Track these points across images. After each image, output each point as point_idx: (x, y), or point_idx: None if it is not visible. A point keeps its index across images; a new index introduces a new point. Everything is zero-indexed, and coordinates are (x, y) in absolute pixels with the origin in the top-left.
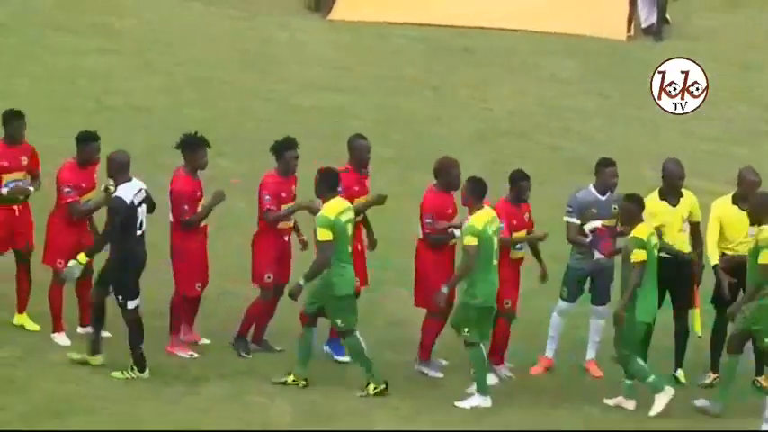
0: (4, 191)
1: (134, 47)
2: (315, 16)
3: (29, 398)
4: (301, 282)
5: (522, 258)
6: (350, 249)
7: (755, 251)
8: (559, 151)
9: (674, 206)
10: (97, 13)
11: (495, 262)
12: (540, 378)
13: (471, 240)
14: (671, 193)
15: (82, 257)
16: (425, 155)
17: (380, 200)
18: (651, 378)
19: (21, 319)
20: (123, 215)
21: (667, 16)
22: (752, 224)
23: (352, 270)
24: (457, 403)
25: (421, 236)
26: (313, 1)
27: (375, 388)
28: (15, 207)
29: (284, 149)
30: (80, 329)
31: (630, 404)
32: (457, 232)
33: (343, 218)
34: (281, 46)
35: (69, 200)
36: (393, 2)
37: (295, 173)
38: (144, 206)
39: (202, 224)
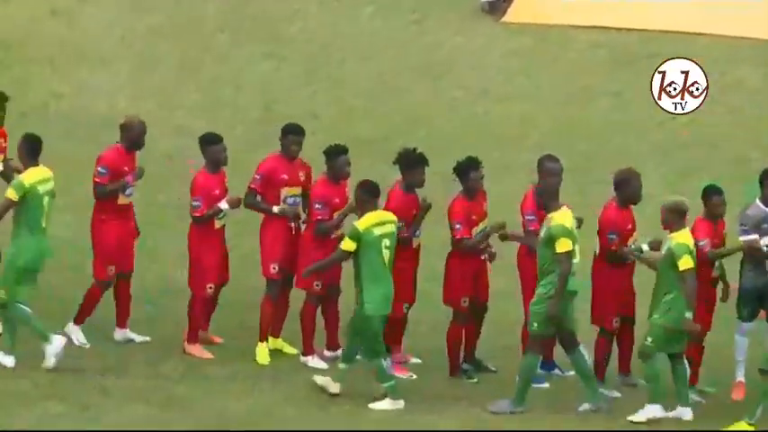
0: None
1: (301, 54)
2: (490, 19)
3: (190, 415)
4: None
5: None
6: None
7: (549, 240)
8: (746, 162)
9: None
10: (264, 19)
11: None
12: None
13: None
14: None
15: None
16: (606, 165)
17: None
18: (391, 383)
19: (276, 343)
20: None
21: None
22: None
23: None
24: None
25: (597, 252)
26: (487, 3)
27: None
28: (292, 225)
29: (469, 170)
30: (327, 353)
31: (335, 387)
32: (645, 246)
33: None
34: (454, 51)
35: (318, 217)
36: (574, 4)
37: (482, 191)
38: None
39: (414, 244)
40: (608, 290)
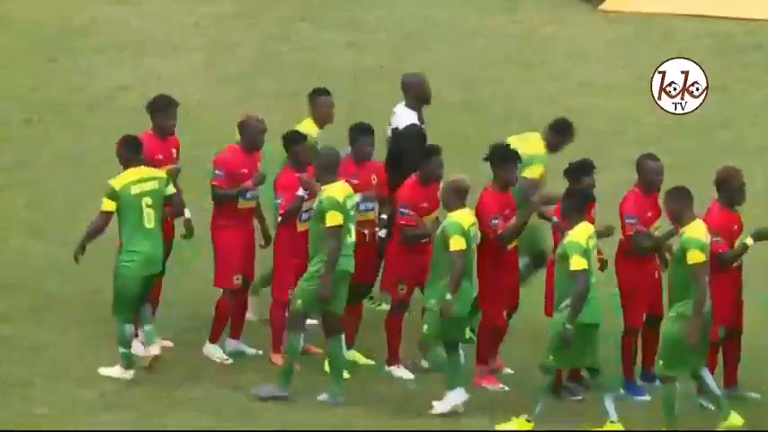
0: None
1: (384, 42)
2: (586, 7)
3: (257, 427)
4: None
5: None
6: None
7: (320, 214)
8: None
9: None
10: (344, 6)
11: None
12: None
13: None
14: None
15: None
16: (710, 163)
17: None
18: (126, 352)
19: (350, 355)
20: None
21: None
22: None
23: None
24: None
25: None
26: None
27: None
28: (366, 231)
29: (580, 173)
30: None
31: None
32: (749, 240)
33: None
34: (548, 41)
35: (402, 222)
36: None
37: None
38: None
39: (510, 247)
40: (713, 298)
